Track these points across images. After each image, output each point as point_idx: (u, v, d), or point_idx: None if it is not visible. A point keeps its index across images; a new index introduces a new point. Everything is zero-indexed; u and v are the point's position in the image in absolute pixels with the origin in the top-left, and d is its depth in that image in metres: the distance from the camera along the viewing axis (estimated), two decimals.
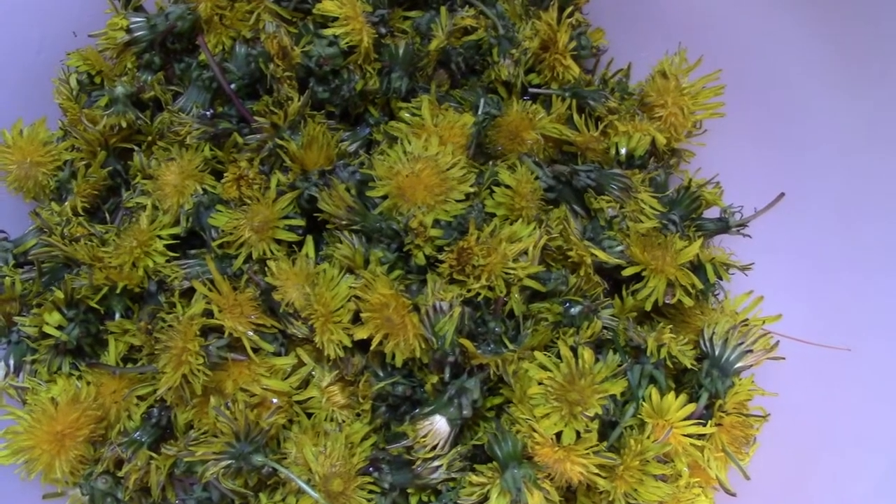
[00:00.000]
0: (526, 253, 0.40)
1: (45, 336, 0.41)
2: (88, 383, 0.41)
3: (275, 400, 0.40)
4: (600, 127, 0.46)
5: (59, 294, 0.41)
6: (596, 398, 0.37)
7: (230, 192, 0.41)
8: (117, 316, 0.42)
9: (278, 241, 0.41)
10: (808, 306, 0.41)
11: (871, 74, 0.41)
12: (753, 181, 0.46)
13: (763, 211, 0.45)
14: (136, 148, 0.45)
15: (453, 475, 0.38)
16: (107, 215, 0.45)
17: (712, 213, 0.47)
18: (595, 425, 0.37)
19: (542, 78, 0.48)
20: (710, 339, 0.41)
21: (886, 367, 0.35)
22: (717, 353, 0.40)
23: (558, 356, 0.38)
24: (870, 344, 0.37)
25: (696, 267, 0.43)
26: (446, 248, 0.40)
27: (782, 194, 0.44)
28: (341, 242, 0.40)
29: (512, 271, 0.40)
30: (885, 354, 0.36)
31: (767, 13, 0.45)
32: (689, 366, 0.40)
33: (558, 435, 0.37)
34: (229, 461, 0.38)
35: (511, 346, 0.39)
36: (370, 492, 0.39)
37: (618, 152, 0.46)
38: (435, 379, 0.39)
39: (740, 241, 0.46)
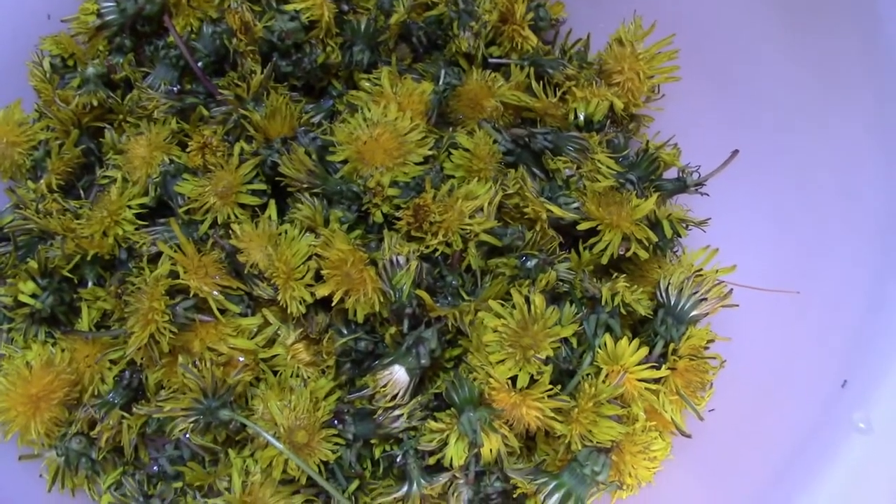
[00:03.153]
0: (482, 209, 0.41)
1: (21, 305, 0.42)
2: (63, 349, 0.42)
3: (241, 358, 0.41)
4: (559, 93, 0.47)
5: (33, 264, 0.42)
6: (548, 342, 0.38)
7: (195, 160, 0.43)
8: (90, 284, 0.43)
9: (242, 206, 0.42)
10: (762, 258, 0.42)
11: (816, 27, 0.42)
12: (710, 141, 0.46)
13: (719, 169, 0.46)
14: (107, 126, 0.46)
15: (414, 424, 0.39)
16: (81, 192, 0.46)
17: (672, 174, 0.48)
18: (548, 369, 0.38)
19: (502, 50, 0.50)
20: (666, 290, 0.42)
21: (833, 308, 0.36)
22: (672, 302, 0.41)
23: (514, 307, 0.39)
24: (819, 287, 0.38)
25: (654, 224, 0.44)
26: (403, 207, 0.41)
27: (736, 151, 0.45)
28: (302, 204, 0.41)
29: (468, 227, 0.41)
30: (833, 297, 0.36)
31: None
32: (644, 313, 0.41)
33: (514, 381, 0.38)
34: (197, 416, 0.39)
35: (468, 299, 0.40)
36: (335, 444, 0.40)
37: (576, 118, 0.47)
38: (393, 330, 0.40)
39: (700, 200, 0.47)
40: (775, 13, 0.45)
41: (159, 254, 0.42)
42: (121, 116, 0.47)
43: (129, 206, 0.43)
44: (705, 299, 0.41)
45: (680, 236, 0.45)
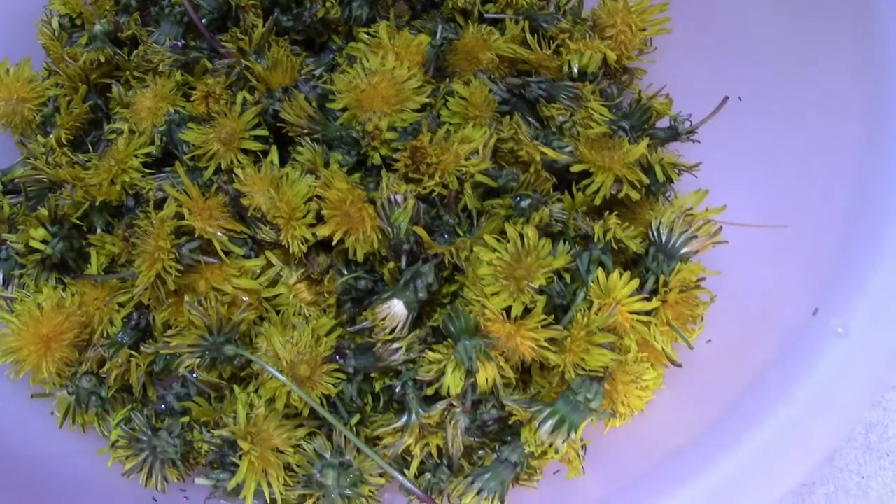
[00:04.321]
0: (477, 152, 0.42)
1: (32, 251, 0.44)
2: (73, 294, 0.44)
3: (245, 298, 0.42)
4: (553, 46, 0.49)
5: (44, 211, 0.44)
6: (541, 272, 0.39)
7: (199, 108, 0.44)
8: (98, 230, 0.45)
9: (245, 152, 0.44)
10: (750, 198, 0.43)
11: None
12: (701, 90, 0.47)
13: (710, 116, 0.47)
14: (114, 82, 0.48)
15: (413, 356, 0.41)
16: (90, 146, 0.48)
17: (664, 123, 0.49)
18: (541, 299, 0.39)
19: (497, 6, 0.51)
20: (657, 228, 0.43)
21: (815, 235, 0.37)
22: (663, 240, 0.42)
23: (508, 241, 0.40)
24: (802, 219, 0.39)
25: (646, 169, 0.45)
26: (401, 149, 0.42)
27: (726, 98, 0.46)
28: (303, 147, 0.43)
29: (464, 168, 0.42)
30: (814, 225, 0.38)
31: None
32: (636, 249, 0.42)
33: (509, 312, 0.39)
34: (203, 352, 0.40)
35: (464, 236, 0.42)
36: (337, 378, 0.41)
37: (570, 69, 0.48)
38: (392, 266, 0.41)
39: (691, 146, 0.48)
40: None
41: (165, 199, 0.43)
42: (127, 73, 0.48)
43: (136, 155, 0.44)
44: (696, 237, 0.42)
45: (672, 181, 0.46)
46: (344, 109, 0.44)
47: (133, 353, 0.43)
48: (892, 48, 0.34)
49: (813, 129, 0.42)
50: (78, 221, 0.44)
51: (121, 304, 0.44)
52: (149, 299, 0.42)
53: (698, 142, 0.48)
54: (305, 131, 0.43)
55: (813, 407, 0.30)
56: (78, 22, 0.49)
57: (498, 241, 0.40)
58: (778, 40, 0.45)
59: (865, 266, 0.32)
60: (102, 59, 0.47)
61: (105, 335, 0.43)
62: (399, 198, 0.41)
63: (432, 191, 0.42)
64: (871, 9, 0.38)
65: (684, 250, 0.42)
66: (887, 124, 0.34)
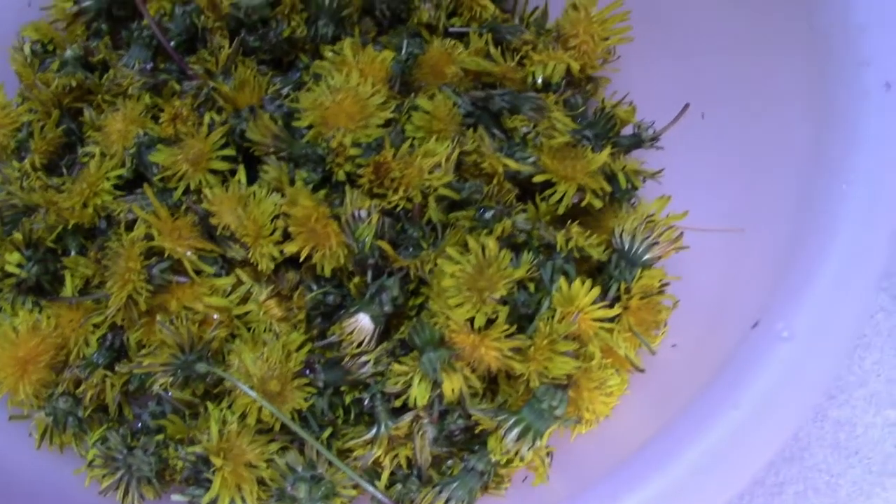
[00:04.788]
0: (441, 165, 0.43)
1: (7, 275, 0.44)
2: (48, 316, 0.44)
3: (216, 316, 0.43)
4: (517, 58, 0.49)
5: (18, 236, 0.44)
6: (503, 283, 0.40)
7: (167, 130, 0.45)
8: (72, 253, 0.45)
9: (213, 172, 0.44)
10: (710, 204, 0.44)
11: None
12: (663, 97, 0.48)
13: (672, 123, 0.48)
14: (86, 106, 0.49)
15: (381, 369, 0.41)
16: (64, 170, 0.49)
17: (629, 131, 0.49)
18: (504, 310, 0.40)
19: (462, 20, 0.52)
20: (620, 236, 0.43)
21: (769, 246, 0.38)
22: (626, 247, 0.43)
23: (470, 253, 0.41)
24: (755, 223, 0.40)
25: (610, 177, 0.46)
26: (365, 164, 0.43)
27: (687, 105, 0.47)
28: (269, 166, 0.44)
29: (428, 182, 0.43)
30: (769, 234, 0.38)
31: None
32: (598, 257, 0.42)
33: (472, 323, 0.40)
34: (175, 370, 0.41)
35: (429, 249, 0.42)
36: (307, 392, 0.42)
37: (534, 80, 0.49)
38: (358, 280, 0.42)
39: (655, 153, 0.48)
40: None
41: (136, 221, 0.44)
42: (99, 96, 0.49)
43: (108, 178, 0.45)
44: (657, 243, 0.43)
45: (635, 187, 0.47)
46: (309, 127, 0.45)
47: (108, 373, 0.44)
48: (835, 61, 0.35)
49: (765, 135, 0.43)
50: (52, 245, 0.45)
51: (96, 325, 0.44)
52: (122, 320, 0.43)
53: (662, 148, 0.48)
54: (271, 150, 0.44)
55: (758, 411, 0.30)
56: (50, 48, 0.50)
57: (461, 253, 0.41)
58: (734, 48, 0.46)
59: (809, 270, 0.32)
60: (74, 84, 0.48)
61: (81, 356, 0.44)
62: (363, 213, 0.42)
63: (397, 205, 0.43)
64: (815, 25, 0.39)
65: (646, 256, 0.43)
66: (831, 132, 0.34)
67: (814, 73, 0.37)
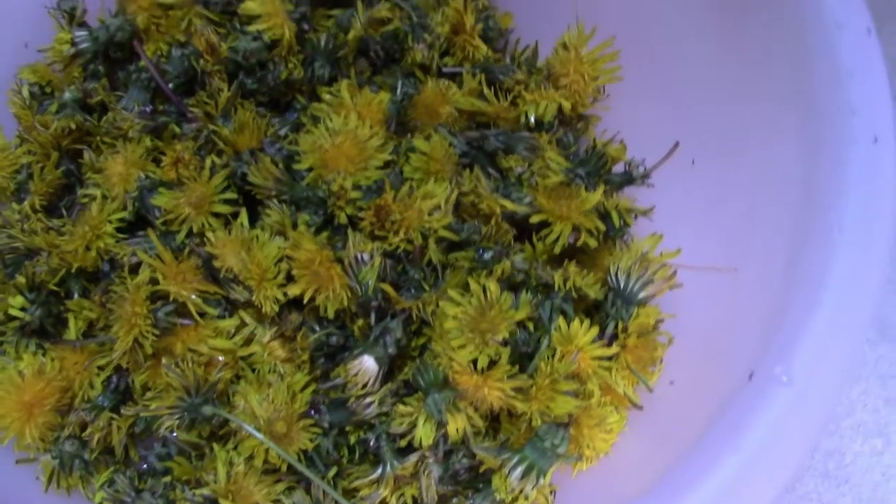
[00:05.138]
0: (440, 207, 0.44)
1: (11, 318, 0.45)
2: (53, 358, 0.45)
3: (221, 358, 0.44)
4: (510, 98, 0.51)
5: (21, 279, 0.45)
6: (504, 325, 0.41)
7: (169, 174, 0.46)
8: (75, 295, 0.46)
9: (216, 215, 0.45)
10: (702, 240, 0.45)
11: (746, 28, 0.45)
12: (654, 136, 0.49)
13: (662, 161, 0.49)
14: (86, 147, 0.49)
15: (385, 409, 0.42)
16: (63, 211, 0.49)
17: (620, 168, 0.51)
18: (506, 351, 0.41)
19: (455, 59, 0.53)
20: (615, 274, 0.45)
21: (761, 277, 0.39)
22: (621, 285, 0.44)
23: (472, 295, 0.42)
24: (749, 261, 0.41)
25: (604, 215, 0.47)
26: (366, 207, 0.44)
27: (677, 143, 0.48)
28: (271, 210, 0.44)
29: (428, 224, 0.44)
30: (759, 267, 0.40)
31: None
32: (595, 296, 0.44)
33: (476, 364, 0.41)
34: (182, 413, 0.42)
35: (430, 290, 0.43)
36: (313, 433, 0.42)
37: (527, 120, 0.50)
38: (361, 323, 0.43)
39: (646, 191, 0.50)
40: (707, 15, 0.48)
41: (140, 264, 0.44)
42: (98, 138, 0.50)
43: (110, 221, 0.46)
44: (652, 281, 0.44)
45: (627, 225, 0.48)
46: (309, 169, 0.46)
47: (114, 415, 0.44)
48: (824, 109, 0.37)
49: (755, 178, 0.44)
50: (55, 288, 0.45)
51: (100, 368, 0.45)
52: (127, 362, 0.43)
53: (652, 185, 0.50)
54: (273, 193, 0.45)
55: (759, 455, 0.31)
56: (48, 90, 0.51)
57: (462, 294, 0.42)
58: (724, 90, 0.47)
59: (804, 314, 0.33)
60: (73, 126, 0.49)
61: (86, 399, 0.44)
62: (366, 256, 0.42)
63: (397, 247, 0.44)
64: (810, 68, 0.40)
65: (642, 295, 0.44)
66: (821, 178, 0.36)
67: (803, 120, 0.39)
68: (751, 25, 0.43)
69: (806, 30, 0.38)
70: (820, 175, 0.36)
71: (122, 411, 0.44)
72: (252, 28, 0.48)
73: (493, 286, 0.41)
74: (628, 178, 0.50)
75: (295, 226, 0.44)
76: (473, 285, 0.41)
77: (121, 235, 0.46)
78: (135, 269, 0.44)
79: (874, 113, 0.36)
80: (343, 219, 0.44)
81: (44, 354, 0.45)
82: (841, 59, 0.37)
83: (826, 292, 0.34)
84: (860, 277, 0.34)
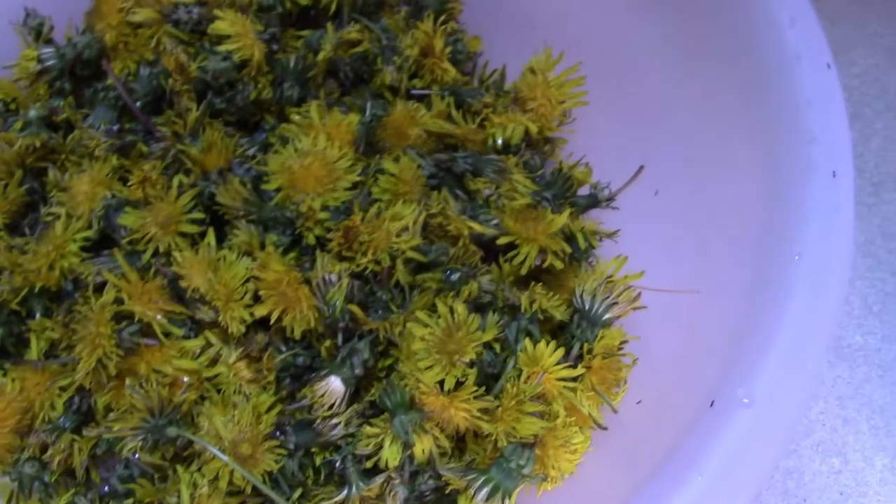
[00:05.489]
0: (408, 228, 0.44)
1: None
2: (13, 379, 0.44)
3: (186, 378, 0.43)
4: (477, 120, 0.51)
5: None
6: (471, 346, 0.41)
7: (136, 193, 0.45)
8: (38, 315, 0.45)
9: (182, 235, 0.45)
10: (666, 263, 0.46)
11: (706, 54, 0.46)
12: (618, 158, 0.50)
13: (627, 184, 0.50)
14: (50, 165, 0.49)
15: (351, 431, 0.42)
16: (27, 230, 0.48)
17: (585, 191, 0.51)
18: (473, 372, 0.41)
19: (423, 81, 0.53)
20: (581, 296, 0.45)
21: (723, 300, 0.40)
22: (586, 307, 0.45)
23: (439, 316, 0.42)
24: (712, 283, 0.42)
25: (569, 237, 0.47)
26: (334, 228, 0.44)
27: (642, 167, 0.49)
28: (239, 230, 0.44)
29: (396, 245, 0.44)
30: (722, 290, 0.40)
31: (610, 6, 0.51)
32: (560, 318, 0.44)
33: (442, 385, 0.41)
34: (145, 434, 0.41)
35: (398, 311, 0.43)
36: (278, 455, 0.42)
37: (495, 142, 0.51)
38: (329, 343, 0.43)
39: (611, 213, 0.50)
40: (671, 45, 0.49)
41: (104, 284, 0.44)
42: (63, 156, 0.49)
43: (74, 240, 0.45)
44: (616, 303, 0.45)
45: (593, 247, 0.48)
46: (278, 189, 0.46)
47: (75, 437, 0.44)
48: (784, 137, 0.37)
49: (717, 202, 0.45)
50: (17, 307, 0.45)
51: (62, 388, 0.44)
52: (90, 383, 0.43)
53: (617, 208, 0.50)
54: (241, 213, 0.45)
55: (722, 477, 0.32)
56: (13, 107, 0.50)
57: (430, 316, 0.42)
58: (688, 114, 0.48)
59: (765, 337, 0.34)
60: (38, 144, 0.48)
61: (47, 420, 0.44)
62: (333, 277, 0.42)
63: (365, 268, 0.44)
64: (767, 89, 0.41)
65: (606, 316, 0.45)
66: (781, 205, 0.36)
67: (764, 147, 0.40)
68: (712, 56, 0.45)
69: (765, 62, 0.39)
70: (780, 204, 0.37)
71: (84, 433, 0.43)
72: (222, 48, 0.48)
73: (460, 308, 0.41)
74: (594, 201, 0.50)
75: (263, 246, 0.44)
76: (441, 307, 0.42)
77: (85, 255, 0.45)
78: (99, 289, 0.44)
79: (833, 143, 0.36)
80: (311, 239, 0.44)
81: (4, 375, 0.44)
82: (801, 91, 0.38)
83: (787, 312, 0.35)
84: (820, 298, 0.35)
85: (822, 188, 0.36)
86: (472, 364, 0.41)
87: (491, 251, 0.47)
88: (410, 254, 0.44)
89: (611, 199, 0.50)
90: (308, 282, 0.43)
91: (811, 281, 0.35)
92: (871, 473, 0.50)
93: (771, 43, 0.40)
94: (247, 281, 0.43)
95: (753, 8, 0.42)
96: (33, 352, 0.44)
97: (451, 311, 0.42)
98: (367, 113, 0.51)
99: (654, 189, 0.49)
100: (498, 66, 0.56)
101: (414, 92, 0.53)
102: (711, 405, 0.34)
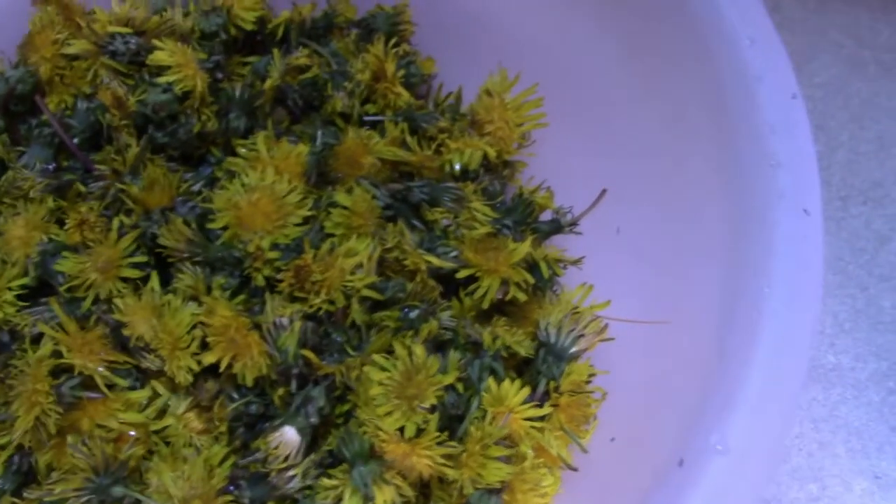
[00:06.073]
0: (362, 265, 0.42)
1: None
2: None
3: (132, 432, 0.41)
4: (433, 146, 0.49)
5: None
6: (432, 390, 0.39)
7: (73, 237, 0.43)
8: None
9: (124, 280, 0.42)
10: (632, 291, 0.44)
11: (663, 73, 0.45)
12: (580, 182, 0.49)
13: (590, 209, 0.48)
14: None
15: (309, 482, 0.40)
16: None
17: (547, 216, 0.50)
18: (434, 417, 0.39)
19: (377, 107, 0.51)
20: (546, 329, 0.43)
21: (692, 334, 0.38)
22: (552, 340, 0.43)
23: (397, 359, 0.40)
24: (680, 314, 0.40)
25: (532, 266, 0.46)
26: (284, 268, 0.42)
27: (604, 191, 0.47)
28: (184, 273, 0.42)
29: (350, 283, 0.42)
30: (690, 323, 0.39)
31: (568, 26, 0.49)
32: (525, 354, 0.42)
33: (403, 431, 0.39)
34: (90, 496, 0.39)
35: (354, 354, 0.41)
36: None
37: (452, 168, 0.49)
38: (282, 391, 0.41)
39: (574, 239, 0.49)
40: (630, 66, 0.47)
41: (42, 334, 0.41)
42: None
43: (10, 288, 0.43)
44: (583, 335, 0.43)
45: (557, 275, 0.47)
46: (225, 228, 0.43)
47: (15, 499, 0.41)
48: (747, 164, 0.36)
49: (683, 218, 0.44)
50: None
51: (1, 446, 0.42)
52: (29, 441, 0.40)
53: (580, 234, 0.49)
54: (186, 255, 0.43)
55: None
56: None
57: (387, 359, 0.40)
58: (648, 133, 0.47)
59: (737, 378, 0.33)
60: None
61: None
62: (285, 321, 0.40)
63: (319, 308, 0.42)
64: (726, 109, 0.40)
65: (573, 349, 0.43)
66: (748, 236, 0.35)
67: (728, 172, 0.38)
68: (673, 74, 0.43)
69: (725, 84, 0.38)
70: (747, 233, 0.35)
71: (25, 494, 0.41)
72: (162, 79, 0.46)
73: (419, 350, 0.39)
74: (556, 227, 0.49)
75: (209, 290, 0.42)
76: (399, 349, 0.40)
77: (22, 303, 0.43)
78: (37, 340, 0.42)
79: (796, 164, 0.35)
80: (260, 281, 0.42)
81: None
82: (763, 114, 0.36)
83: (758, 350, 0.34)
84: (792, 332, 0.34)
85: (789, 216, 0.34)
86: (433, 409, 0.39)
87: (450, 284, 0.45)
88: (366, 292, 0.42)
89: (574, 223, 0.49)
90: (258, 326, 0.41)
91: (782, 314, 0.34)
92: (849, 499, 0.48)
93: (731, 62, 0.39)
94: (193, 328, 0.41)
95: (713, 25, 0.41)
96: None
97: (410, 352, 0.40)
98: (318, 142, 0.49)
99: (615, 213, 0.48)
100: (453, 88, 0.54)
101: (367, 118, 0.51)
102: (680, 464, 0.32)
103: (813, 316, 0.34)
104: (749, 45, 0.38)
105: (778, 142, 0.36)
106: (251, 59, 0.52)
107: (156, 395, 0.42)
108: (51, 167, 0.46)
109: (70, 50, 0.48)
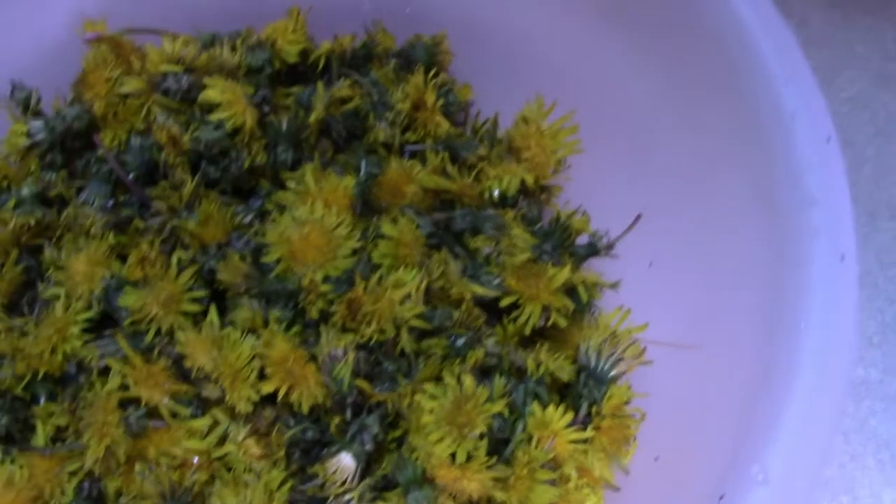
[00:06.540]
0: (410, 296, 0.44)
1: None
2: (21, 466, 0.44)
3: (195, 459, 0.43)
4: (473, 174, 0.51)
5: None
6: (480, 418, 0.41)
7: (135, 273, 0.45)
8: (42, 400, 0.45)
9: (185, 313, 0.45)
10: (670, 313, 0.46)
11: (703, 101, 0.46)
12: (617, 206, 0.50)
13: (625, 232, 0.49)
14: (46, 242, 0.48)
15: None
16: (25, 308, 0.48)
17: (584, 240, 0.51)
18: (483, 443, 0.41)
19: (417, 135, 0.53)
20: (586, 353, 0.45)
21: (732, 358, 0.40)
22: (592, 364, 0.45)
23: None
24: (719, 337, 0.42)
25: (571, 290, 0.47)
26: (337, 301, 0.44)
27: (640, 215, 0.49)
28: (241, 307, 0.44)
29: (399, 314, 0.44)
30: (730, 347, 0.40)
31: (606, 55, 0.50)
32: (567, 379, 0.44)
33: (454, 456, 0.41)
34: None
35: (404, 382, 0.43)
36: None
37: (491, 195, 0.50)
38: (338, 419, 0.43)
39: (610, 262, 0.50)
40: (668, 96, 0.49)
41: (109, 367, 0.44)
42: (58, 232, 0.49)
43: (76, 322, 0.45)
44: (622, 359, 0.45)
45: (595, 299, 0.48)
46: (278, 260, 0.45)
47: None
48: (782, 194, 0.38)
49: (721, 243, 0.45)
50: (21, 394, 0.44)
51: (72, 473, 0.44)
52: (99, 469, 0.43)
53: (617, 257, 0.50)
54: (243, 289, 0.45)
55: None
56: (4, 184, 0.50)
57: (437, 386, 0.42)
58: (686, 159, 0.48)
59: (777, 410, 0.34)
60: (33, 223, 0.48)
61: None
62: (339, 352, 0.42)
63: (370, 338, 0.43)
64: (765, 136, 0.41)
65: (612, 373, 0.45)
66: (784, 262, 0.37)
67: (764, 207, 0.40)
68: (710, 107, 0.45)
69: (760, 121, 0.39)
70: (784, 270, 0.37)
71: None
72: (213, 116, 0.48)
73: (468, 380, 0.41)
74: (593, 250, 0.50)
75: (266, 322, 0.44)
76: (448, 378, 0.42)
77: (87, 336, 0.45)
78: (104, 373, 0.44)
79: (834, 205, 0.37)
80: (314, 314, 0.44)
81: (12, 461, 0.44)
82: (798, 151, 0.38)
83: (798, 383, 0.35)
84: (829, 368, 0.35)
85: (823, 256, 0.36)
86: (482, 436, 0.41)
87: (494, 310, 0.47)
88: (414, 322, 0.44)
89: (610, 247, 0.50)
90: (314, 358, 0.43)
91: (820, 348, 0.35)
92: None
93: (764, 101, 0.40)
94: (252, 359, 0.43)
95: (749, 62, 0.42)
96: (39, 438, 0.44)
97: (459, 380, 0.41)
98: (363, 172, 0.51)
99: (652, 237, 0.49)
100: (488, 111, 0.56)
101: (408, 147, 0.52)
102: (721, 499, 0.34)
103: (850, 346, 0.36)
104: (783, 83, 0.39)
105: (813, 180, 0.38)
106: (294, 89, 0.53)
107: (216, 422, 0.44)
108: (109, 203, 0.48)
109: (123, 89, 0.50)
